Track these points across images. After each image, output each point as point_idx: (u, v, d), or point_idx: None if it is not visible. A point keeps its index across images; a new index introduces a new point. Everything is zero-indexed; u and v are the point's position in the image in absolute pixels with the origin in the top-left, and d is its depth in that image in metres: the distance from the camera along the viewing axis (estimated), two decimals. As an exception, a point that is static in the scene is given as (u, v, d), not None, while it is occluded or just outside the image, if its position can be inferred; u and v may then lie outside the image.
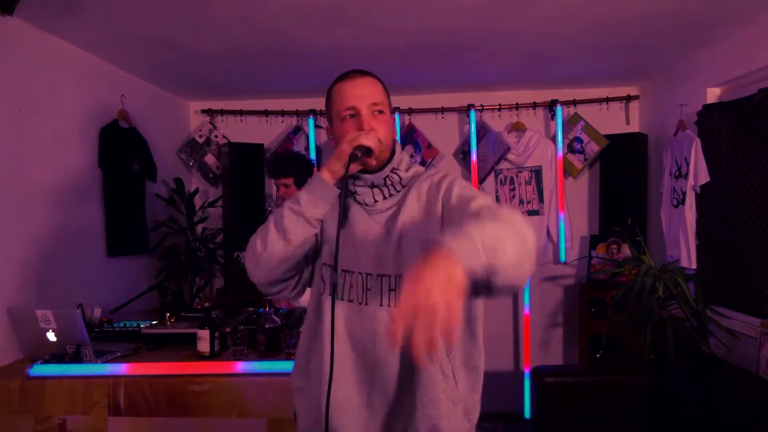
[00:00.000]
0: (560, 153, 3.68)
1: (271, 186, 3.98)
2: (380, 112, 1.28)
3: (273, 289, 1.33)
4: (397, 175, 1.29)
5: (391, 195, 1.30)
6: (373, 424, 1.26)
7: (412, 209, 1.26)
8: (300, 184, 2.74)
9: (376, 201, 1.29)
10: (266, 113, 3.89)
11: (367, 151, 1.21)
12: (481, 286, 0.93)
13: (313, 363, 1.32)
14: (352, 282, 1.27)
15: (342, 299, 1.28)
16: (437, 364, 1.23)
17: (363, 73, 1.30)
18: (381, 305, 1.24)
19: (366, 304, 1.25)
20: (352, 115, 1.26)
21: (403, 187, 1.31)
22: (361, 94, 1.27)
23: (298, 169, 2.73)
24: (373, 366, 1.24)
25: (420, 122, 3.88)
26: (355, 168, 1.23)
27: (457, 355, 1.28)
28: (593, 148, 3.67)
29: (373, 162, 1.24)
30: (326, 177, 1.23)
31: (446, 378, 1.24)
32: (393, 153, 1.32)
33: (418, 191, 1.29)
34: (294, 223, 1.22)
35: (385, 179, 1.29)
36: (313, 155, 3.77)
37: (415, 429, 1.22)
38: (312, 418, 1.31)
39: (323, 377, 1.24)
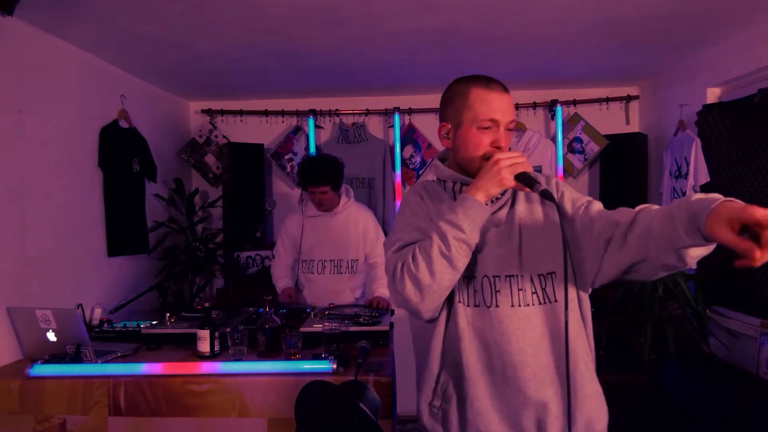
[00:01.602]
0: (560, 153, 3.68)
1: (271, 186, 3.98)
2: (512, 130, 1.31)
3: (435, 313, 1.29)
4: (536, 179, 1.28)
5: (497, 197, 1.33)
6: (508, 422, 1.27)
7: (523, 208, 1.33)
8: (336, 188, 2.73)
9: (487, 204, 1.26)
10: (266, 113, 3.89)
11: (533, 178, 1.21)
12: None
13: (443, 372, 1.33)
14: (476, 287, 1.29)
15: (468, 305, 1.29)
16: (582, 360, 1.28)
17: (503, 87, 1.30)
18: (512, 306, 1.26)
19: (497, 306, 1.26)
20: (488, 128, 1.27)
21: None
22: (505, 110, 1.27)
23: (334, 174, 2.72)
24: (504, 366, 1.25)
25: (420, 122, 3.88)
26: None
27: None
28: (593, 148, 3.67)
29: (543, 185, 1.20)
30: (482, 199, 1.22)
31: (589, 371, 1.30)
32: None
33: (528, 196, 1.35)
34: (459, 251, 1.20)
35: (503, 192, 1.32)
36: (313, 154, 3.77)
37: (568, 425, 1.24)
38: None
39: (458, 392, 1.28)
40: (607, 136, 3.65)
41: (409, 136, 3.88)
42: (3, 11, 2.05)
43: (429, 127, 3.88)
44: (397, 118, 3.80)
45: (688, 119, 3.01)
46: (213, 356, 2.01)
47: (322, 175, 2.67)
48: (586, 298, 1.34)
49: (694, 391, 2.32)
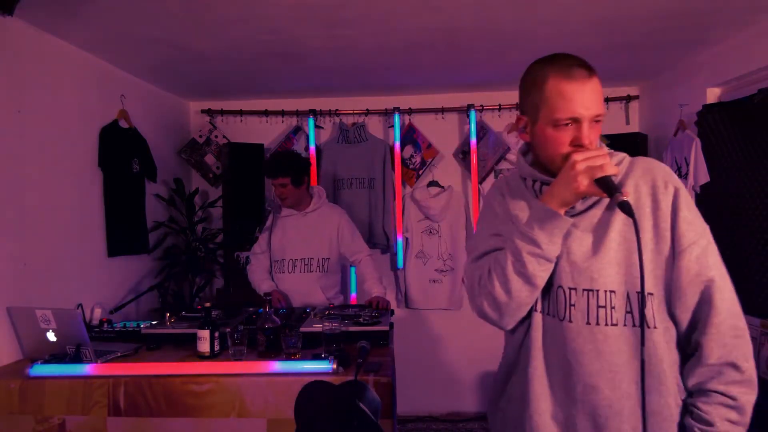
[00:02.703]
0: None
1: (271, 186, 3.98)
2: (599, 122, 1.15)
3: (516, 324, 1.23)
4: (618, 186, 1.12)
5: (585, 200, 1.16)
6: None
7: (626, 218, 1.10)
8: (297, 183, 2.75)
9: (567, 211, 1.14)
10: (266, 113, 3.89)
11: (614, 184, 1.07)
12: None
13: (512, 380, 1.26)
14: (551, 297, 1.17)
15: (543, 313, 1.19)
16: (673, 397, 1.12)
17: (589, 70, 1.13)
18: (588, 323, 1.12)
19: (570, 321, 1.14)
20: (568, 125, 1.12)
21: None
22: (588, 103, 1.11)
23: (294, 168, 2.74)
24: (572, 388, 1.13)
25: (420, 122, 3.88)
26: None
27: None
28: (593, 148, 3.67)
29: (628, 193, 1.09)
30: (559, 210, 1.11)
31: (678, 409, 1.13)
32: None
33: (636, 192, 1.15)
34: (537, 267, 1.12)
35: None
36: (311, 150, 3.77)
37: None
38: None
39: (521, 399, 1.20)
40: (607, 136, 3.65)
41: (409, 136, 3.87)
42: (3, 11, 2.05)
43: (429, 127, 3.88)
44: (397, 118, 3.80)
45: (688, 119, 3.01)
46: (213, 356, 2.01)
47: (279, 167, 2.70)
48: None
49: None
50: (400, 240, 3.82)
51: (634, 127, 3.76)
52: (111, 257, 2.90)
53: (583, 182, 1.07)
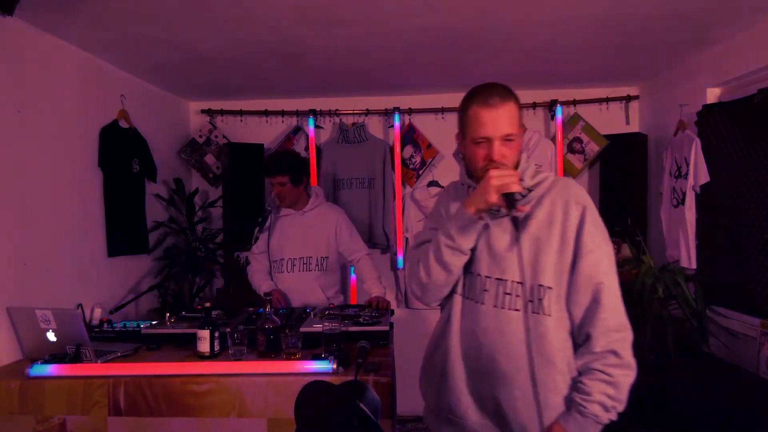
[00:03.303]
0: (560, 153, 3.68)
1: (271, 186, 3.98)
2: (511, 141, 1.37)
3: (439, 302, 1.52)
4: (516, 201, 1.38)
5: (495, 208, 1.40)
6: (480, 409, 1.41)
7: (541, 222, 1.37)
8: (296, 182, 2.75)
9: (499, 211, 1.40)
10: (266, 113, 3.89)
11: (514, 200, 1.30)
12: None
13: (437, 352, 1.51)
14: (472, 282, 1.43)
15: (463, 296, 1.45)
16: (561, 375, 1.36)
17: (502, 97, 1.36)
18: (495, 306, 1.38)
19: (482, 303, 1.39)
20: (483, 142, 1.37)
21: (529, 191, 1.41)
22: (497, 125, 1.35)
23: (293, 167, 2.75)
24: (479, 359, 1.38)
25: (420, 122, 3.88)
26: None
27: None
28: (593, 148, 3.67)
29: (526, 209, 1.36)
30: (473, 213, 1.35)
31: (566, 386, 1.36)
32: (517, 166, 1.43)
33: (552, 206, 1.38)
34: (452, 256, 1.39)
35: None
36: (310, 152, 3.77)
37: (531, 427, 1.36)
38: (434, 402, 1.54)
39: (442, 366, 1.46)
40: (607, 136, 3.65)
41: (409, 136, 3.87)
42: (3, 11, 2.05)
43: (429, 127, 3.88)
44: (397, 118, 3.80)
45: (688, 119, 3.01)
46: (213, 356, 2.01)
47: (278, 165, 2.71)
48: None
49: (694, 391, 2.32)
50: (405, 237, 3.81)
51: (634, 127, 3.76)
52: (111, 257, 2.90)
53: (493, 195, 1.31)
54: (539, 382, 1.33)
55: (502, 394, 1.36)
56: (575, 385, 1.34)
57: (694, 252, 2.90)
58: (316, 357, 1.93)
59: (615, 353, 1.30)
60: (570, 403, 1.34)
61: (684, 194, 2.92)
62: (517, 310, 1.36)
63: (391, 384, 1.85)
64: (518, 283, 1.36)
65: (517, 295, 1.35)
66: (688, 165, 2.88)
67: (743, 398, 2.19)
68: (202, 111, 3.90)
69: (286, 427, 1.81)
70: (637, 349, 2.80)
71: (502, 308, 1.37)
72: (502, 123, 1.35)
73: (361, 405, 1.44)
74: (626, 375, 1.31)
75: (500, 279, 1.38)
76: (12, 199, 2.24)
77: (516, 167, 1.41)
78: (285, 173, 2.72)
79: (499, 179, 1.30)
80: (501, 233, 1.40)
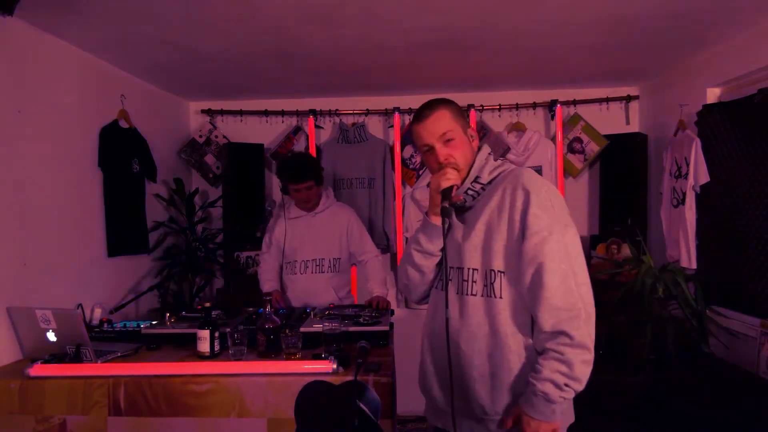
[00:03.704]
0: (560, 153, 3.68)
1: (271, 186, 3.98)
2: (450, 140, 1.49)
3: (421, 302, 1.71)
4: (479, 183, 1.53)
5: (473, 198, 1.52)
6: (444, 388, 1.51)
7: (492, 210, 1.45)
8: (319, 183, 2.77)
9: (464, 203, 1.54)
10: (266, 113, 3.89)
11: (448, 193, 1.43)
12: None
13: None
14: (441, 275, 1.56)
15: (436, 288, 1.61)
16: (517, 356, 1.42)
17: (431, 108, 1.52)
18: (457, 293, 1.49)
19: (446, 291, 1.45)
20: (428, 151, 1.52)
21: (489, 184, 1.52)
22: (431, 131, 1.49)
23: (316, 169, 2.76)
24: (442, 342, 1.42)
25: (420, 122, 3.87)
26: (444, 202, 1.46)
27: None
28: (593, 148, 3.67)
29: (460, 197, 1.50)
30: (433, 219, 1.51)
31: (521, 367, 1.42)
32: (473, 163, 1.54)
33: (502, 193, 1.45)
34: (422, 259, 1.58)
35: (467, 191, 1.53)
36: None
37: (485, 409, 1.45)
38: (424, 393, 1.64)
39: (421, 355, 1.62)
40: (607, 136, 3.65)
41: (409, 136, 3.87)
42: (3, 11, 2.05)
43: (429, 127, 3.88)
44: (397, 118, 3.79)
45: (688, 119, 3.01)
46: (213, 356, 2.01)
47: (305, 171, 2.70)
48: None
49: (694, 391, 2.32)
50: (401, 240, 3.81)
51: (634, 127, 3.76)
52: (111, 257, 2.90)
53: (435, 197, 1.46)
54: (494, 362, 1.41)
55: (463, 375, 1.45)
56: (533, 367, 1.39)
57: (694, 252, 2.90)
58: (316, 357, 1.93)
59: (566, 334, 1.32)
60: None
61: (684, 194, 2.92)
62: (474, 295, 1.44)
63: (391, 384, 1.85)
64: (474, 269, 1.45)
65: (474, 281, 1.45)
66: (688, 165, 2.88)
67: (743, 398, 2.19)
68: (202, 111, 3.90)
69: (286, 427, 1.81)
70: (637, 349, 2.82)
71: (464, 294, 1.46)
72: (434, 127, 1.49)
73: (361, 405, 1.44)
74: (579, 354, 1.32)
75: (459, 267, 1.48)
76: (12, 198, 2.24)
77: (472, 165, 1.53)
78: (312, 178, 2.71)
79: (434, 182, 1.46)
80: (460, 226, 1.51)
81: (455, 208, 1.51)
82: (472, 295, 1.45)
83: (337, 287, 2.88)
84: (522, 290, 1.39)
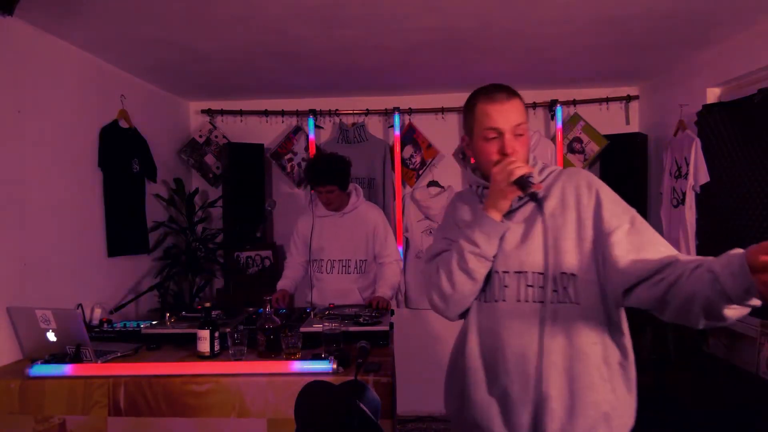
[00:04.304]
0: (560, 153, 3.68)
1: (271, 186, 3.98)
2: (520, 135, 1.34)
3: (460, 317, 1.44)
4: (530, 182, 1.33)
5: (522, 198, 1.36)
6: (504, 417, 1.30)
7: (554, 203, 1.33)
8: (343, 187, 2.74)
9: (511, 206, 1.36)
10: (266, 113, 3.89)
11: (526, 181, 1.26)
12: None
13: (458, 364, 1.43)
14: (490, 283, 1.35)
15: (480, 300, 1.37)
16: (596, 369, 1.26)
17: (509, 94, 1.35)
18: (518, 301, 1.30)
19: (504, 300, 1.31)
20: (494, 137, 1.33)
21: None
22: (507, 117, 1.32)
23: (341, 175, 2.71)
24: (505, 360, 1.29)
25: (420, 122, 3.88)
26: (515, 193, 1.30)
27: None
28: (593, 148, 3.67)
29: (540, 186, 1.30)
30: (495, 216, 1.32)
31: (603, 382, 1.27)
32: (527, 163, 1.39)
33: (562, 193, 1.34)
34: (477, 264, 1.31)
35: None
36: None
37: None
38: (458, 416, 1.42)
39: (463, 376, 1.39)
40: (607, 136, 3.65)
41: (409, 136, 3.87)
42: (3, 11, 2.05)
43: (429, 127, 3.88)
44: (397, 118, 3.80)
45: (688, 119, 3.01)
46: (213, 356, 2.01)
47: (329, 175, 2.67)
48: (618, 308, 1.31)
49: (694, 391, 2.32)
50: (402, 241, 3.82)
51: (634, 127, 3.76)
52: (111, 257, 2.90)
53: (506, 188, 1.28)
54: (572, 377, 1.24)
55: (534, 396, 1.25)
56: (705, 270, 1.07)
57: (694, 252, 2.90)
58: (316, 357, 1.93)
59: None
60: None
61: (684, 194, 2.92)
62: (541, 302, 1.27)
63: (391, 384, 1.85)
64: (539, 273, 1.28)
65: (540, 286, 1.28)
66: (688, 165, 2.88)
67: (743, 398, 2.19)
68: (202, 111, 3.90)
69: (286, 427, 1.81)
70: (637, 349, 2.81)
71: (526, 302, 1.29)
72: (511, 114, 1.32)
73: (361, 405, 1.44)
74: None
75: (519, 272, 1.31)
76: (12, 198, 2.24)
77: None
78: (334, 183, 2.69)
79: (502, 171, 1.28)
80: (512, 226, 1.34)
81: (534, 199, 1.32)
82: (539, 302, 1.28)
83: (363, 288, 2.88)
84: (617, 285, 1.21)
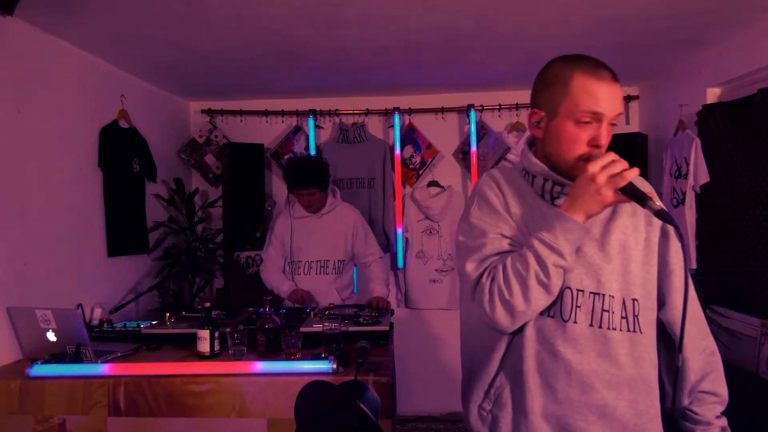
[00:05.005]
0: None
1: (271, 186, 3.98)
2: (614, 125, 1.13)
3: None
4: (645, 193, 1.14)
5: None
6: None
7: (627, 221, 1.18)
8: (324, 188, 2.75)
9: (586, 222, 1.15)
10: (266, 113, 3.89)
11: (641, 192, 1.06)
12: None
13: (497, 382, 1.22)
14: (565, 297, 1.15)
15: (541, 313, 1.15)
16: (655, 395, 1.21)
17: (613, 74, 1.13)
18: (591, 325, 1.13)
19: (575, 322, 1.14)
20: (588, 122, 1.10)
21: None
22: (613, 102, 1.10)
23: (321, 176, 2.73)
24: (570, 387, 1.14)
25: (420, 122, 3.88)
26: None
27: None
28: (593, 148, 3.67)
29: (660, 205, 1.07)
30: (582, 220, 1.08)
31: (657, 408, 1.22)
32: None
33: (633, 209, 1.19)
34: (558, 277, 1.09)
35: None
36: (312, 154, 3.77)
37: None
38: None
39: (513, 395, 1.19)
40: (607, 136, 3.65)
41: (409, 136, 3.87)
42: (3, 11, 2.05)
43: (429, 127, 3.88)
44: (397, 118, 3.80)
45: (688, 119, 3.01)
46: (213, 356, 2.01)
47: (309, 178, 2.68)
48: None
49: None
50: (399, 231, 3.82)
51: (634, 127, 3.76)
52: (111, 257, 2.90)
53: (608, 194, 1.06)
54: (639, 411, 1.14)
55: (597, 426, 1.13)
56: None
57: (694, 252, 2.90)
58: (316, 357, 1.93)
59: (716, 370, 1.25)
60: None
61: (684, 194, 2.92)
62: (614, 329, 1.13)
63: (391, 384, 1.84)
64: (611, 296, 1.14)
65: (613, 311, 1.13)
66: (688, 165, 2.88)
67: (743, 398, 2.18)
68: (202, 111, 3.90)
69: (286, 427, 1.81)
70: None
71: (600, 327, 1.13)
72: (616, 99, 1.10)
73: (361, 405, 1.43)
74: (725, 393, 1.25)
75: (596, 293, 1.13)
76: (12, 198, 2.24)
77: None
78: (315, 185, 2.70)
79: (608, 171, 1.04)
80: (589, 239, 1.15)
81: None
82: (612, 329, 1.13)
83: (341, 288, 2.88)
84: (672, 323, 1.21)
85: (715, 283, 2.76)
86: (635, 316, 1.14)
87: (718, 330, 2.54)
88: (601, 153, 1.09)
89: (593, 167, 1.06)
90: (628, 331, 1.14)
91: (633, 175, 1.06)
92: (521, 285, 1.08)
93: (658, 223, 1.19)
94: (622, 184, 1.05)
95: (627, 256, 1.16)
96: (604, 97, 1.09)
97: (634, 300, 1.15)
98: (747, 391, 2.22)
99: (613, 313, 1.13)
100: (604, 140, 1.11)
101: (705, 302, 2.54)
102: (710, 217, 2.84)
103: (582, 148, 1.11)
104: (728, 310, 2.62)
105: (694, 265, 2.90)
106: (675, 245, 1.21)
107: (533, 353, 1.15)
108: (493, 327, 1.15)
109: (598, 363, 1.13)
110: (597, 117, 1.10)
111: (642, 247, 1.18)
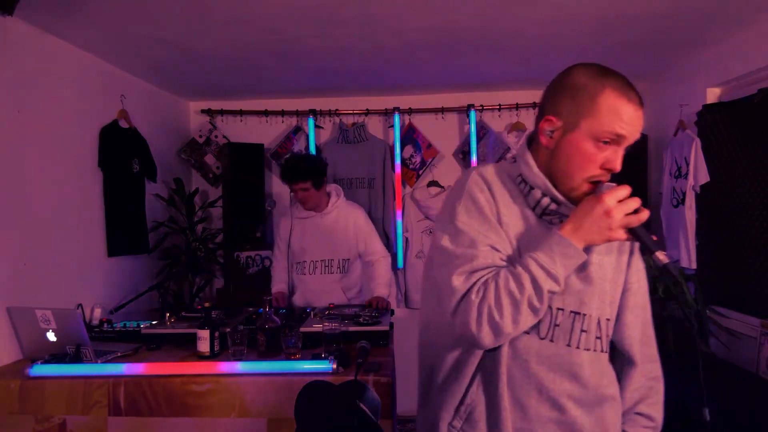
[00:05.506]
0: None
1: (271, 186, 3.98)
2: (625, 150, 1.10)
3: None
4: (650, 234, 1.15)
5: None
6: None
7: (601, 247, 1.14)
8: (318, 186, 2.75)
9: None
10: (266, 113, 3.89)
11: (648, 235, 1.05)
12: None
13: (467, 399, 1.18)
14: (544, 316, 1.12)
15: (525, 332, 1.12)
16: (619, 411, 1.22)
17: (641, 99, 1.10)
18: (569, 345, 1.12)
19: (551, 340, 1.12)
20: (607, 143, 1.05)
21: None
22: (636, 127, 1.06)
23: (314, 172, 2.74)
24: (540, 405, 1.13)
25: (420, 122, 3.88)
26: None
27: None
28: (593, 148, 3.67)
29: (666, 259, 1.05)
30: (581, 247, 1.05)
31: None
32: None
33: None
34: (548, 301, 1.06)
35: None
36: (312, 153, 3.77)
37: None
38: None
39: (486, 410, 1.15)
40: (607, 136, 3.65)
41: (409, 136, 3.88)
42: (3, 11, 2.05)
43: (429, 127, 3.88)
44: (396, 118, 3.80)
45: (688, 119, 3.01)
46: (213, 356, 2.01)
47: (300, 172, 2.69)
48: None
49: (694, 391, 2.32)
50: (399, 220, 3.82)
51: (634, 127, 3.76)
52: (111, 257, 2.90)
53: (621, 234, 1.04)
54: (608, 427, 1.17)
55: None
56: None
57: (694, 252, 2.90)
58: (316, 357, 1.93)
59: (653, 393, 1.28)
60: None
61: (684, 194, 2.92)
62: (588, 349, 1.13)
63: (391, 384, 1.85)
64: (587, 315, 1.13)
65: (585, 331, 1.13)
66: (688, 165, 2.88)
67: (743, 398, 2.19)
68: (202, 111, 3.90)
69: (286, 427, 1.81)
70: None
71: (576, 348, 1.12)
72: (640, 124, 1.07)
73: (361, 405, 1.43)
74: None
75: (577, 312, 1.12)
76: (12, 198, 2.24)
77: None
78: (307, 179, 2.70)
79: (622, 208, 1.02)
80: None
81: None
82: (586, 350, 1.13)
83: (346, 288, 2.88)
84: (625, 344, 1.20)
85: (715, 283, 2.76)
86: (607, 335, 1.16)
87: (718, 330, 2.54)
88: (607, 177, 1.08)
89: (610, 200, 1.02)
90: (601, 351, 1.15)
91: (645, 216, 1.04)
92: (513, 307, 1.03)
93: (628, 250, 1.21)
94: (635, 225, 1.04)
95: (603, 276, 1.15)
96: (629, 121, 1.05)
97: (607, 320, 1.16)
98: (747, 391, 2.23)
99: (589, 333, 1.13)
100: (618, 166, 1.07)
101: (705, 302, 2.54)
102: (710, 217, 2.84)
103: (593, 170, 1.07)
104: (728, 310, 2.63)
105: (694, 265, 2.90)
106: (638, 265, 1.22)
107: (508, 370, 1.12)
108: (472, 343, 1.10)
109: (570, 383, 1.12)
110: (618, 140, 1.06)
111: (613, 266, 1.18)
